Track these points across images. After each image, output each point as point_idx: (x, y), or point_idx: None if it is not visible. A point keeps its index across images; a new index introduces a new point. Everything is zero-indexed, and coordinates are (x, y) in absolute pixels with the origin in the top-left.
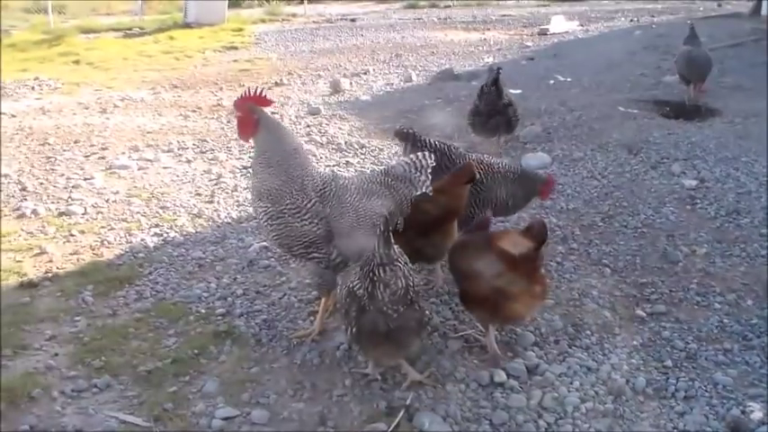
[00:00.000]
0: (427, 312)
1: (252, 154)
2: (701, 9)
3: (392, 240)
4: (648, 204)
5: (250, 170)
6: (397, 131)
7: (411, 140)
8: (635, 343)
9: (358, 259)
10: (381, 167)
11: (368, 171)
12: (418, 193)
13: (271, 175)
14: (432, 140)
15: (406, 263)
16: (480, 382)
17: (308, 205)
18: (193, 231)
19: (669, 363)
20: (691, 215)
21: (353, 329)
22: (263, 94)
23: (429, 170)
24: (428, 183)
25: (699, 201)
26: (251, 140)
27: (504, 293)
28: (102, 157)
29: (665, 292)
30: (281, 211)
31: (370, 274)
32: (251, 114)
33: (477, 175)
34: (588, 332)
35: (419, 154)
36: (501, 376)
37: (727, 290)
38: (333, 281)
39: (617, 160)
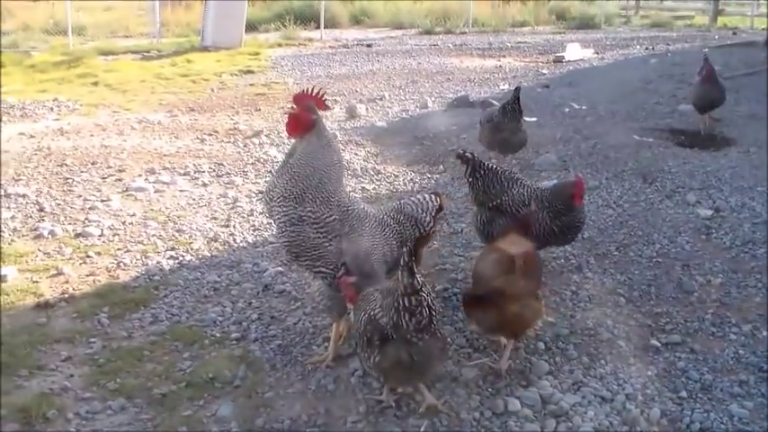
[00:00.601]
0: (448, 339)
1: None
2: (717, 37)
3: (416, 270)
4: (663, 234)
5: (279, 168)
6: (459, 155)
7: (471, 164)
8: (650, 373)
9: (362, 285)
10: (395, 203)
11: (385, 202)
12: (421, 233)
13: (304, 179)
14: (489, 164)
15: (429, 293)
16: (495, 410)
17: (328, 219)
18: (209, 255)
19: (684, 394)
20: (706, 245)
21: (376, 358)
22: (324, 98)
23: (434, 212)
24: (432, 224)
25: (714, 230)
26: (296, 139)
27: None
28: (119, 179)
29: (681, 322)
30: (300, 217)
31: (395, 304)
32: (308, 113)
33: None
34: (603, 362)
35: (426, 195)
36: (515, 405)
37: (742, 320)
38: (343, 305)
39: (632, 189)
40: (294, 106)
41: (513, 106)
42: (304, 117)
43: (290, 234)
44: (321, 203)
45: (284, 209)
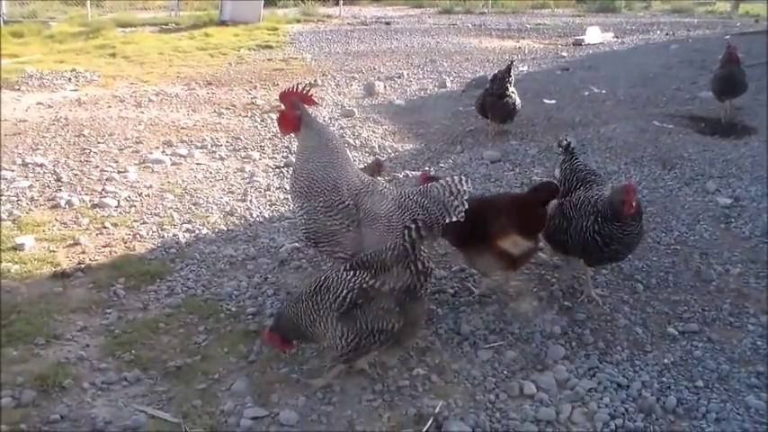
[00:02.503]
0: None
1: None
2: (738, 24)
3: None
4: (682, 221)
5: (294, 169)
6: (559, 142)
7: (568, 153)
8: (666, 361)
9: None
10: (418, 188)
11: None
12: (451, 219)
13: (307, 174)
14: (580, 160)
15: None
16: (510, 393)
17: (340, 205)
18: (225, 229)
19: (701, 383)
20: (725, 234)
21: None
22: (309, 92)
23: (464, 196)
24: (461, 209)
25: (733, 219)
26: (292, 136)
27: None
28: (136, 151)
29: (698, 310)
30: (314, 207)
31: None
32: (293, 110)
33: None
34: (619, 348)
35: (455, 177)
36: (531, 388)
37: (761, 311)
38: None
39: (651, 175)
40: (281, 105)
41: (502, 74)
42: (290, 114)
43: (305, 223)
44: (329, 191)
45: (297, 203)
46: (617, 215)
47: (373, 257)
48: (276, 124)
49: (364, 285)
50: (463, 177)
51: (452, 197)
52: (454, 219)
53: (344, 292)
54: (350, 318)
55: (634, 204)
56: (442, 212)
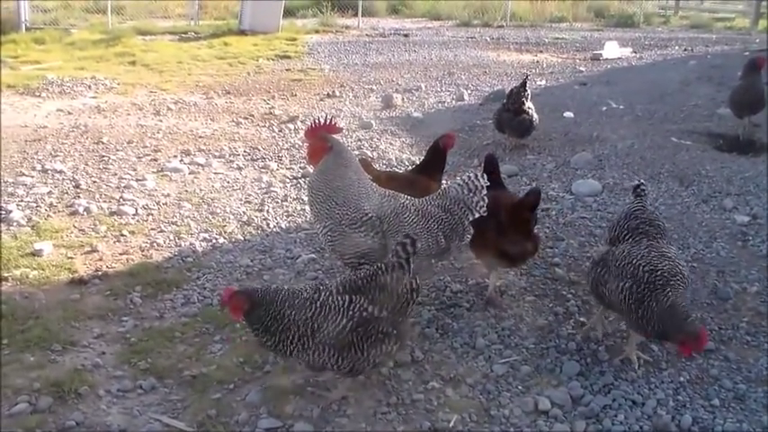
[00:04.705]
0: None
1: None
2: (757, 41)
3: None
4: (699, 238)
5: (309, 189)
6: (635, 186)
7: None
8: (682, 379)
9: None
10: (440, 189)
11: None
12: (474, 215)
13: (330, 197)
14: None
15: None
16: (524, 408)
17: (364, 218)
18: (242, 239)
19: (716, 402)
20: (742, 252)
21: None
22: (333, 122)
23: (483, 191)
24: (483, 204)
25: (750, 238)
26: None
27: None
28: (155, 159)
29: (715, 329)
30: (339, 224)
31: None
32: (324, 143)
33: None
34: (634, 365)
35: (471, 174)
36: (545, 404)
37: None
38: None
39: (668, 191)
40: (309, 141)
41: (518, 90)
42: (321, 146)
43: (332, 239)
44: (353, 211)
45: (321, 226)
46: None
47: (370, 279)
48: (306, 155)
49: (364, 314)
50: (478, 173)
51: (472, 194)
52: (477, 215)
53: (344, 320)
54: (346, 345)
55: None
56: (465, 211)
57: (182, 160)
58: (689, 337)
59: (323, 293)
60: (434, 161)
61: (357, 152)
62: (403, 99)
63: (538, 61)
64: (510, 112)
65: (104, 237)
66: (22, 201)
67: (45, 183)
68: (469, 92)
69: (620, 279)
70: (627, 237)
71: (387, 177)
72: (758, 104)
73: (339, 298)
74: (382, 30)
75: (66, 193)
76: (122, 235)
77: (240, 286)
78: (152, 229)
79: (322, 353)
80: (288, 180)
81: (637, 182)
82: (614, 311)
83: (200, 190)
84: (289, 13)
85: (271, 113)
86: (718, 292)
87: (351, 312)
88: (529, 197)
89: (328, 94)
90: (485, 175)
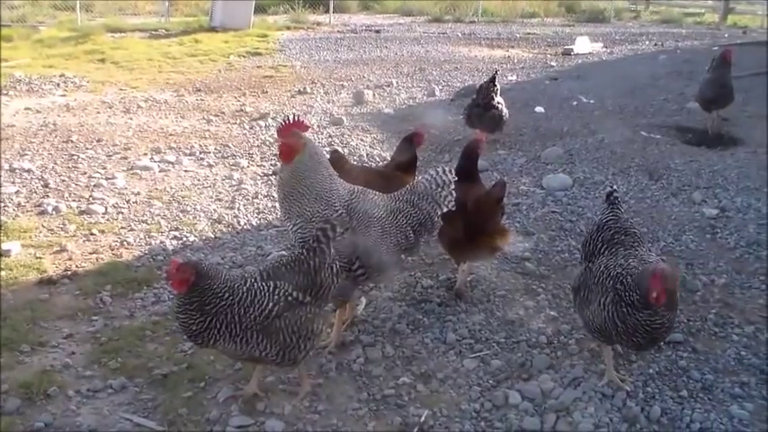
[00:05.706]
0: None
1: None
2: (726, 36)
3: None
4: (668, 232)
5: (280, 187)
6: (609, 193)
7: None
8: (651, 371)
9: (379, 272)
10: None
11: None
12: (443, 210)
13: (302, 195)
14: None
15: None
16: (495, 402)
17: (334, 215)
18: (213, 237)
19: (685, 393)
20: (710, 244)
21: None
22: (302, 120)
23: (451, 186)
24: (451, 199)
25: (719, 230)
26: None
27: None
28: (125, 158)
29: (683, 321)
30: (310, 221)
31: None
32: (298, 140)
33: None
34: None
35: (439, 168)
36: (516, 398)
37: (745, 322)
38: (349, 293)
39: (638, 185)
40: (282, 140)
41: (487, 85)
42: (294, 144)
43: (302, 236)
44: (323, 209)
45: (291, 222)
46: (644, 302)
47: (293, 265)
48: (279, 153)
49: (289, 299)
50: (446, 168)
51: (440, 189)
52: (445, 209)
53: (270, 304)
54: (274, 331)
55: (663, 298)
56: (434, 205)
57: (152, 158)
58: (652, 276)
59: (248, 280)
60: (406, 156)
61: (328, 148)
62: (374, 95)
63: (509, 57)
64: (480, 107)
65: (74, 236)
66: None
67: (13, 182)
68: (441, 87)
69: (600, 294)
70: (603, 250)
71: (361, 171)
72: (726, 98)
73: (264, 284)
74: (354, 26)
75: (35, 192)
76: (92, 234)
77: (185, 258)
78: (122, 227)
79: (250, 339)
80: (258, 177)
81: (609, 189)
82: (621, 345)
83: (171, 188)
84: (260, 9)
85: (242, 111)
86: (687, 284)
87: (276, 297)
88: (494, 189)
89: (299, 90)
90: (452, 170)
